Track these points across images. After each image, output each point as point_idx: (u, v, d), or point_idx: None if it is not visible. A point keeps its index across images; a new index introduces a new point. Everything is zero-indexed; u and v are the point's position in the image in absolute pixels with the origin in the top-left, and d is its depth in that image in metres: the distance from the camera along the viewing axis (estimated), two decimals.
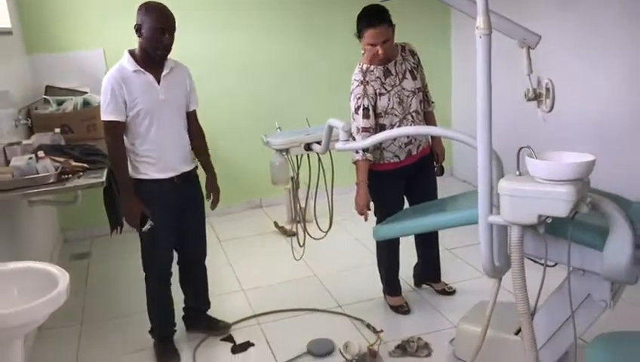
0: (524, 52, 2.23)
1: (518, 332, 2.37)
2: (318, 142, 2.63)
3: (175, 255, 2.91)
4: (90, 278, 3.91)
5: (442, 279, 3.34)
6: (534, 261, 2.10)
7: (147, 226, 2.69)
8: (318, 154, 2.70)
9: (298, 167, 2.93)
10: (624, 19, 3.47)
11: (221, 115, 4.83)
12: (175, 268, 2.93)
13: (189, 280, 3.02)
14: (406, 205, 3.10)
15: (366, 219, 2.90)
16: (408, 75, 2.89)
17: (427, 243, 3.27)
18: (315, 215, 3.07)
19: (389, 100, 2.84)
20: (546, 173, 1.76)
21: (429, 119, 3.08)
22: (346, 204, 3.94)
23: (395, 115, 2.86)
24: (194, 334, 3.03)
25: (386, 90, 2.84)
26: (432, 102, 3.08)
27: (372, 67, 2.85)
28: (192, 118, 2.83)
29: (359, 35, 2.81)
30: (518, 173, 1.88)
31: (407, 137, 2.90)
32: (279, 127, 2.92)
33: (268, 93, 4.96)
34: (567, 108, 3.83)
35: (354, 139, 2.58)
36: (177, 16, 2.62)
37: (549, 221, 1.85)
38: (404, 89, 2.87)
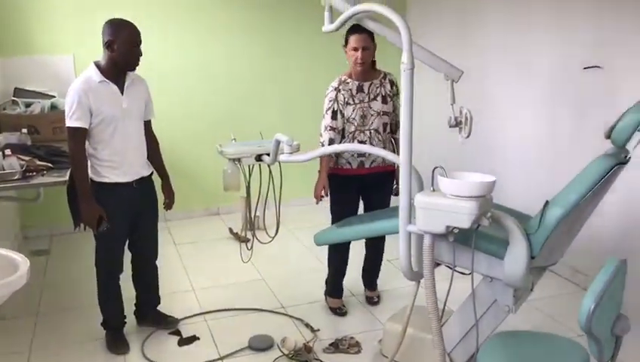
0: (448, 84, 2.54)
1: None
2: (268, 154, 2.88)
3: (129, 254, 3.11)
4: (47, 274, 4.06)
5: (379, 288, 3.61)
6: (449, 267, 2.38)
7: (103, 227, 2.85)
8: (269, 166, 2.95)
9: (250, 176, 3.16)
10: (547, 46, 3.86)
11: (183, 126, 5.08)
12: (128, 266, 3.14)
13: (140, 278, 3.22)
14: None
15: (317, 203, 3.33)
16: (379, 98, 3.23)
17: (370, 250, 3.55)
18: (264, 222, 3.31)
19: (352, 111, 3.20)
20: (453, 190, 2.04)
21: (397, 143, 3.31)
22: (298, 214, 4.23)
23: (354, 125, 3.21)
24: (144, 328, 3.23)
25: (353, 102, 3.20)
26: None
27: (349, 80, 3.22)
28: (148, 127, 3.06)
29: (345, 42, 3.17)
30: (432, 189, 2.16)
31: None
32: (234, 138, 3.15)
33: (228, 105, 5.20)
34: (493, 132, 4.24)
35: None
36: (138, 27, 2.84)
37: (456, 231, 2.13)
38: (370, 107, 3.21)
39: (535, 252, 2.17)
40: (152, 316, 3.26)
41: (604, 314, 1.75)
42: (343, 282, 3.51)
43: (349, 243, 3.40)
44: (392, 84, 3.28)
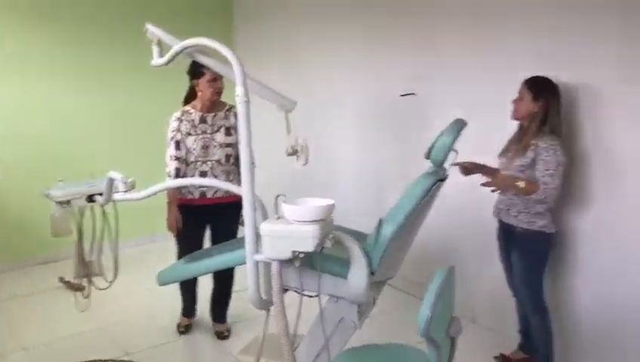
0: (283, 115, 2.64)
1: None
2: (101, 194, 2.73)
3: None
4: None
5: (229, 320, 3.57)
6: (297, 292, 2.43)
7: None
8: (102, 206, 2.79)
9: (82, 218, 2.96)
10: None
11: (5, 170, 4.62)
12: None
13: None
14: None
15: (176, 235, 3.34)
16: (223, 130, 3.28)
17: (218, 282, 3.51)
18: (100, 266, 3.10)
19: (194, 142, 3.24)
20: (295, 215, 2.10)
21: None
22: (136, 256, 4.03)
23: (195, 156, 3.23)
24: None
25: (195, 132, 3.24)
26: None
27: (192, 111, 3.27)
28: None
29: (198, 74, 3.18)
30: (277, 216, 2.21)
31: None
32: (61, 179, 2.94)
33: (57, 146, 4.87)
34: (329, 159, 4.46)
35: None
36: None
37: (302, 256, 2.19)
38: (213, 139, 3.25)
39: (374, 267, 2.30)
40: None
41: (440, 319, 1.91)
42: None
43: (196, 279, 3.35)
44: (237, 116, 3.28)
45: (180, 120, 3.25)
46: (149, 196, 2.48)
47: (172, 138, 3.25)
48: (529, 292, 2.88)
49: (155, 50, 2.40)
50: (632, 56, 2.68)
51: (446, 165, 2.43)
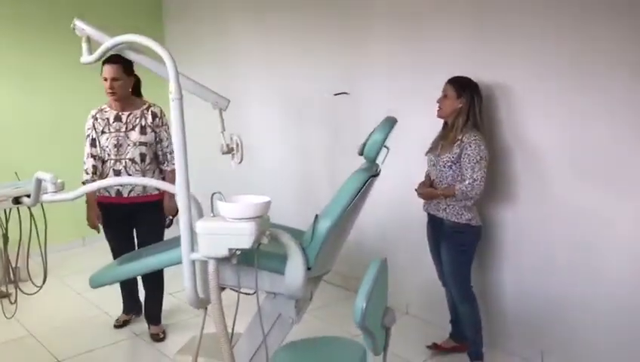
0: (217, 113, 2.64)
1: None
2: (28, 196, 2.63)
3: None
4: None
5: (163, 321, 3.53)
6: (235, 290, 2.44)
7: None
8: (28, 208, 2.69)
9: (7, 222, 2.84)
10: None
11: None
12: None
13: None
14: None
15: (98, 231, 3.40)
16: (138, 129, 3.25)
17: (150, 284, 3.47)
18: (28, 270, 2.98)
19: (107, 140, 3.24)
20: (232, 213, 2.11)
21: (165, 175, 3.37)
22: (67, 259, 3.90)
23: (108, 153, 3.25)
24: None
25: (108, 130, 3.24)
26: (173, 163, 3.34)
27: (107, 109, 3.26)
28: None
29: (101, 71, 3.17)
30: (212, 214, 2.21)
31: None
32: None
33: None
34: (262, 156, 4.48)
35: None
36: None
37: (239, 253, 2.20)
38: (127, 137, 3.22)
39: (311, 262, 2.34)
40: None
41: (374, 310, 1.97)
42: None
43: (135, 279, 3.36)
44: (155, 116, 3.30)
45: (94, 118, 3.27)
46: (79, 197, 2.41)
47: (87, 136, 3.29)
48: (457, 282, 3.01)
49: (85, 47, 2.34)
50: (540, 53, 2.86)
51: (378, 161, 2.50)
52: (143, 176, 3.27)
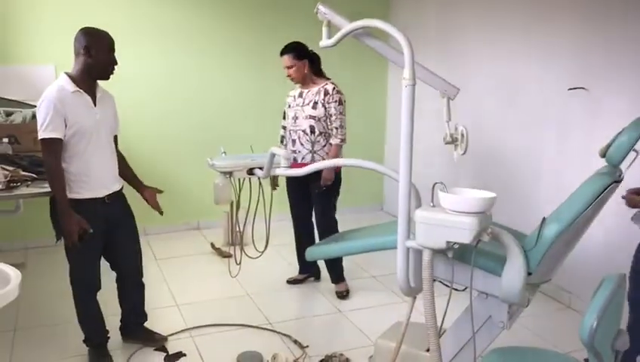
0: (444, 101, 2.57)
1: (429, 349, 2.64)
2: (261, 168, 2.86)
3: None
4: (24, 288, 3.89)
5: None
6: (445, 284, 2.39)
7: (86, 238, 2.73)
8: (259, 179, 2.92)
9: (240, 190, 3.12)
10: None
11: (165, 138, 5.04)
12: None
13: (125, 297, 3.14)
14: None
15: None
16: (311, 104, 3.70)
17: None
18: (252, 236, 3.27)
19: (290, 113, 3.80)
20: (454, 205, 2.04)
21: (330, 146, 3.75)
22: (283, 230, 4.18)
23: (289, 125, 3.78)
24: (129, 344, 3.15)
25: (294, 105, 3.78)
26: (339, 137, 3.69)
27: (298, 86, 3.81)
28: (115, 142, 2.99)
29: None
30: (432, 204, 2.17)
31: (293, 147, 3.74)
32: (224, 152, 3.12)
33: (213, 119, 5.19)
34: (486, 149, 4.29)
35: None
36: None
37: (456, 247, 2.13)
38: (303, 111, 3.70)
39: (532, 268, 2.18)
40: (139, 333, 3.18)
41: (605, 330, 1.77)
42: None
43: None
44: (327, 93, 3.65)
45: (290, 96, 3.84)
46: (310, 172, 2.54)
47: (283, 110, 3.90)
48: None
49: (325, 31, 2.42)
50: None
51: (622, 166, 2.22)
52: (312, 145, 3.70)
